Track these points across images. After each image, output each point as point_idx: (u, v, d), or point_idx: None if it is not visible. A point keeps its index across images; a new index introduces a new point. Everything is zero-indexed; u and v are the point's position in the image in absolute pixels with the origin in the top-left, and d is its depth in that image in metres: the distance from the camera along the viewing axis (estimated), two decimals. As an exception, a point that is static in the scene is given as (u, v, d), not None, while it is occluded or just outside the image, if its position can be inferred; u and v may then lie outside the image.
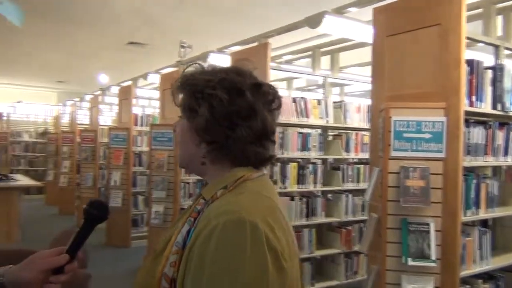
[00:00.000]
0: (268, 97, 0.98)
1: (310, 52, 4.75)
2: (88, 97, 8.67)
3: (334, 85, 5.77)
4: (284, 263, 0.82)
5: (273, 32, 3.82)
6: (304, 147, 3.94)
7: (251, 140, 0.93)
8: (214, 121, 0.91)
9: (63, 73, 13.42)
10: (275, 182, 3.76)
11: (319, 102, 4.06)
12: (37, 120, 13.65)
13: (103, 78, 8.59)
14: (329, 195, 4.29)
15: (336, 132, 4.53)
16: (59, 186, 8.56)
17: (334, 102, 4.26)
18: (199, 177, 5.10)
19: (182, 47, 5.26)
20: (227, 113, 0.91)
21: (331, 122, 4.09)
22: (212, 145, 0.93)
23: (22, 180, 5.27)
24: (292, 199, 3.86)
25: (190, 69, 1.00)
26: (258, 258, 0.78)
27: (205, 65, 1.03)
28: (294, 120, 3.87)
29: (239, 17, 6.28)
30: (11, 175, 5.81)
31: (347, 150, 4.28)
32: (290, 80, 6.04)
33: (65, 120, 10.92)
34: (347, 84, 5.42)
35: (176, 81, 0.99)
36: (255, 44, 3.90)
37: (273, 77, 6.03)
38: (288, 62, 5.52)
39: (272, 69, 3.80)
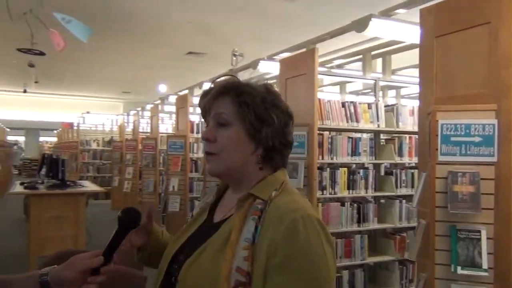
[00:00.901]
0: None
1: (360, 56, 4.69)
2: (149, 107, 9.06)
3: (390, 87, 5.64)
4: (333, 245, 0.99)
5: (321, 38, 3.82)
6: (354, 152, 3.90)
7: (289, 148, 1.10)
8: (278, 130, 1.04)
9: (127, 84, 14.17)
10: (324, 188, 3.75)
11: (369, 106, 4.00)
12: (104, 129, 14.45)
13: (162, 88, 8.95)
14: (382, 201, 4.20)
15: (388, 136, 4.43)
16: (123, 192, 9.00)
17: (386, 106, 4.17)
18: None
19: (234, 55, 5.38)
20: (284, 124, 1.06)
21: (383, 126, 4.01)
22: (267, 152, 1.04)
23: (88, 186, 5.61)
24: (343, 204, 3.83)
25: (252, 84, 1.07)
26: (329, 246, 0.94)
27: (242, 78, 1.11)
28: (343, 125, 3.84)
29: (294, 23, 6.33)
30: (79, 181, 6.20)
31: (400, 154, 4.17)
32: (343, 84, 5.98)
33: (129, 128, 11.48)
34: (403, 86, 5.28)
35: (225, 88, 1.04)
36: (303, 50, 3.92)
37: (325, 81, 6.04)
38: (340, 66, 5.48)
39: (321, 74, 3.80)
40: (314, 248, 0.91)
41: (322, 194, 3.75)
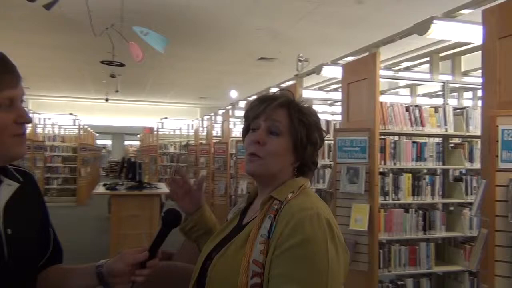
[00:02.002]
0: None
1: (428, 58, 4.54)
2: (221, 112, 9.40)
3: (466, 89, 5.38)
4: (344, 247, 1.05)
5: (384, 41, 3.77)
6: (420, 157, 3.79)
7: (315, 167, 1.22)
8: (316, 151, 1.18)
9: (203, 90, 14.76)
10: (386, 194, 3.69)
11: (436, 109, 3.87)
12: (182, 134, 15.15)
13: (233, 94, 9.23)
14: (451, 208, 4.03)
15: (458, 140, 4.24)
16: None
17: (455, 109, 4.00)
18: (317, 187, 5.22)
19: (300, 60, 5.45)
20: (319, 146, 1.19)
21: (451, 131, 3.86)
22: (301, 166, 1.17)
23: (162, 188, 5.96)
24: (407, 211, 3.74)
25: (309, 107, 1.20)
26: (333, 245, 1.01)
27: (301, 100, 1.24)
28: (407, 129, 3.75)
29: (363, 24, 6.26)
30: (154, 183, 6.61)
31: (470, 160, 3.97)
32: (414, 87, 5.79)
33: (203, 133, 11.95)
34: (476, 88, 5.02)
35: (287, 102, 1.16)
36: (366, 54, 3.89)
37: (393, 84, 5.89)
38: (408, 68, 5.32)
39: (383, 78, 3.76)
40: (316, 242, 0.98)
41: (385, 200, 3.69)
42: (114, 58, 6.66)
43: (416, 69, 5.08)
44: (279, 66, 9.83)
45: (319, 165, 5.26)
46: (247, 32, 7.48)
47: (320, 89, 6.41)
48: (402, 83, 5.73)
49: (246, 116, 1.20)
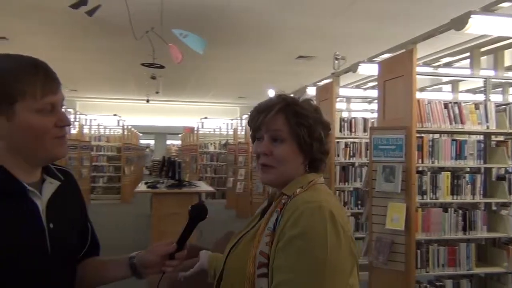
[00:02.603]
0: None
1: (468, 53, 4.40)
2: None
3: (510, 85, 5.17)
4: (349, 240, 1.07)
5: (421, 37, 3.69)
6: (459, 155, 3.70)
7: (327, 155, 1.24)
8: (322, 143, 1.20)
9: (242, 89, 14.90)
10: (424, 192, 3.62)
11: (476, 106, 3.76)
12: (221, 133, 15.35)
13: (271, 93, 9.27)
14: (494, 208, 3.90)
15: (501, 138, 4.09)
16: (236, 192, 9.51)
17: (497, 106, 3.87)
18: (354, 186, 5.18)
19: (336, 58, 5.41)
20: (325, 138, 1.21)
21: (493, 128, 3.74)
22: (312, 161, 1.20)
23: (201, 186, 6.09)
24: (446, 210, 3.65)
25: (304, 103, 1.21)
26: (335, 236, 1.03)
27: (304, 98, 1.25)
28: (446, 127, 3.67)
29: (403, 20, 6.14)
30: (193, 181, 6.75)
31: (514, 158, 3.83)
32: (456, 83, 5.63)
33: (242, 132, 12.07)
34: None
35: (281, 108, 1.17)
36: (403, 51, 3.82)
37: (436, 80, 5.74)
38: (448, 64, 5.17)
39: (420, 74, 3.69)
40: (314, 233, 1.01)
41: (422, 199, 3.62)
42: (155, 60, 6.85)
43: (457, 64, 4.93)
44: (318, 64, 9.78)
45: (356, 164, 5.26)
46: (285, 31, 7.49)
47: (358, 87, 6.33)
48: (443, 79, 5.58)
49: (250, 126, 1.24)
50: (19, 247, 0.97)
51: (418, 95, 5.40)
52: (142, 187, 6.05)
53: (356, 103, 6.59)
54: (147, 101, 13.12)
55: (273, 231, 1.08)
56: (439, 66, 4.98)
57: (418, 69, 3.86)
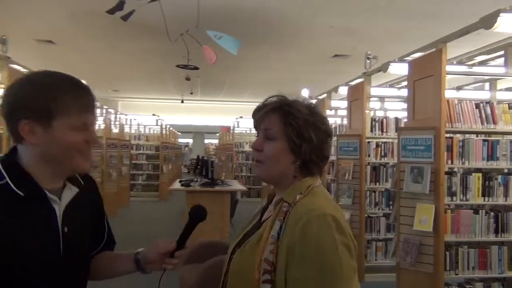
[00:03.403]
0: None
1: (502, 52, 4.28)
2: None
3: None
4: (353, 243, 1.13)
5: (451, 36, 3.62)
6: (491, 156, 3.62)
7: (325, 161, 1.27)
8: (316, 147, 1.22)
9: (279, 89, 14.90)
10: (454, 194, 3.57)
11: (510, 106, 3.66)
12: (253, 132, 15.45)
13: (305, 92, 9.28)
14: (529, 211, 3.79)
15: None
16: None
17: (533, 105, 3.75)
18: (386, 186, 5.14)
19: (368, 58, 5.38)
20: (322, 142, 1.23)
21: (528, 128, 3.63)
22: (305, 163, 1.22)
23: (233, 185, 6.20)
24: (477, 212, 3.59)
25: (298, 105, 1.24)
26: (342, 241, 1.09)
27: (301, 99, 1.29)
28: (477, 127, 3.61)
29: (439, 19, 6.03)
30: (227, 180, 6.88)
31: (551, 159, 3.71)
32: (494, 82, 5.45)
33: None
34: None
35: (275, 108, 1.23)
36: (433, 50, 3.77)
37: (470, 80, 5.57)
38: (483, 63, 5.03)
39: (450, 74, 3.64)
40: (324, 241, 1.07)
41: (452, 200, 3.57)
42: (189, 62, 7.02)
43: (492, 63, 4.79)
44: (353, 63, 9.70)
45: (390, 164, 5.21)
46: (320, 30, 7.49)
47: (391, 86, 6.25)
48: (479, 78, 5.42)
49: (255, 127, 1.30)
50: (33, 248, 1.08)
51: (455, 94, 5.32)
52: (176, 185, 6.23)
53: (391, 102, 6.50)
54: (182, 101, 13.41)
55: (276, 240, 1.12)
56: (473, 65, 4.86)
57: (451, 68, 3.82)
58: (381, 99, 6.54)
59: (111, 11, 4.23)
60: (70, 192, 1.19)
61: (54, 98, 1.07)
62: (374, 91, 5.37)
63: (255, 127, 1.28)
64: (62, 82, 1.12)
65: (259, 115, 1.25)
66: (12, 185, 1.07)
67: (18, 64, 5.22)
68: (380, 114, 6.42)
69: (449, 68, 3.78)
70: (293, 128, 1.20)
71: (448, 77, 3.54)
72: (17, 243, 1.05)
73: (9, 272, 1.05)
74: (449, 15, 5.81)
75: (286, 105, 1.22)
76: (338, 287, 1.06)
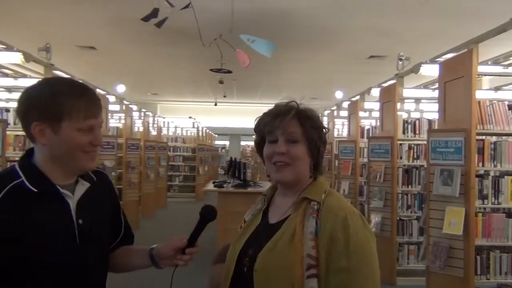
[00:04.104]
0: None
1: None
2: (326, 112, 9.48)
3: None
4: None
5: (482, 37, 3.56)
6: (526, 158, 3.53)
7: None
8: (325, 148, 1.36)
9: (314, 91, 14.93)
10: (485, 197, 3.51)
11: (545, 107, 3.56)
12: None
13: (338, 94, 9.25)
14: None
15: None
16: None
17: None
18: (417, 189, 5.07)
19: (400, 59, 5.33)
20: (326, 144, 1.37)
21: None
22: (316, 164, 1.34)
23: (266, 186, 6.26)
24: (509, 216, 3.51)
25: (310, 110, 1.34)
26: (369, 232, 1.23)
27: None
28: (510, 129, 3.52)
29: (475, 16, 5.90)
30: (259, 182, 6.97)
31: None
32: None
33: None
34: None
35: (296, 113, 1.30)
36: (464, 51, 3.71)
37: (505, 80, 5.41)
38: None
39: (481, 75, 3.58)
40: (360, 235, 1.20)
41: (483, 203, 3.51)
42: (223, 65, 7.17)
43: (530, 63, 4.65)
44: (390, 64, 9.58)
45: (422, 166, 5.13)
46: (355, 31, 7.47)
47: (426, 87, 6.16)
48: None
49: (259, 131, 1.35)
50: (52, 238, 1.19)
51: (493, 94, 5.17)
52: (210, 186, 6.37)
53: (427, 104, 6.40)
54: (215, 104, 13.64)
55: (315, 236, 1.19)
56: (510, 65, 4.72)
57: (484, 68, 3.76)
58: (417, 100, 6.45)
59: (145, 19, 4.41)
60: (82, 187, 1.30)
61: (63, 103, 1.19)
62: (406, 92, 5.31)
63: (268, 132, 1.31)
64: (71, 89, 1.23)
65: (279, 121, 1.29)
66: (27, 183, 1.20)
67: (61, 70, 5.52)
68: (416, 115, 6.33)
69: (482, 68, 3.72)
70: (314, 131, 1.30)
71: (487, 77, 3.48)
72: (34, 234, 1.17)
73: (28, 265, 1.17)
74: (487, 13, 5.67)
75: (304, 110, 1.31)
76: (371, 267, 1.19)
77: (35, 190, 1.20)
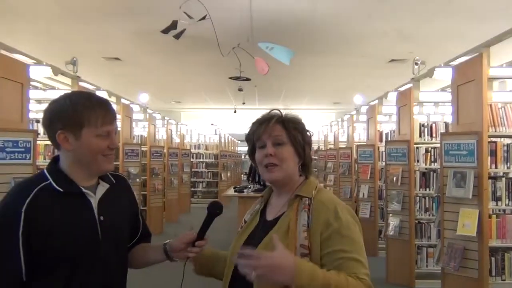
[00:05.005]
0: None
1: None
2: (346, 117, 9.53)
3: None
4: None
5: (492, 41, 3.60)
6: (540, 160, 3.54)
7: (311, 161, 1.51)
8: (310, 149, 1.49)
9: (336, 95, 15.01)
10: (498, 198, 3.54)
11: (559, 109, 3.57)
12: (319, 139, 15.50)
13: (357, 99, 9.28)
14: None
15: None
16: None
17: None
18: (431, 192, 5.08)
19: (416, 63, 5.38)
20: (311, 145, 1.52)
21: None
22: (303, 164, 1.48)
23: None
24: (524, 218, 3.53)
25: (291, 115, 1.50)
26: (357, 223, 1.38)
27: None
28: (524, 131, 3.55)
29: (499, 17, 5.89)
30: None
31: None
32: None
33: (331, 138, 12.15)
34: None
35: (280, 118, 1.46)
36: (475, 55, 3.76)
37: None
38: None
39: (492, 78, 3.63)
40: (349, 223, 1.35)
41: (497, 205, 3.54)
42: (242, 73, 7.33)
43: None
44: (411, 67, 9.58)
45: (439, 169, 5.14)
46: (375, 35, 7.53)
47: (443, 90, 6.16)
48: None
49: (249, 139, 1.49)
50: (77, 234, 1.36)
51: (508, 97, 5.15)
52: (230, 191, 6.52)
53: (446, 107, 6.40)
54: (234, 111, 13.85)
55: (308, 228, 1.33)
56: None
57: (497, 71, 3.79)
58: (436, 104, 6.46)
59: (165, 31, 4.61)
60: (103, 188, 1.47)
61: (83, 113, 1.36)
62: (423, 96, 5.35)
63: (256, 139, 1.46)
64: (89, 101, 1.40)
65: (264, 127, 1.44)
66: (54, 184, 1.37)
67: (87, 82, 5.79)
68: (437, 118, 6.33)
69: (495, 72, 3.76)
70: (297, 133, 1.44)
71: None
72: (61, 229, 1.34)
73: (56, 256, 1.33)
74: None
75: (283, 115, 1.47)
76: (361, 251, 1.33)
77: (61, 190, 1.37)
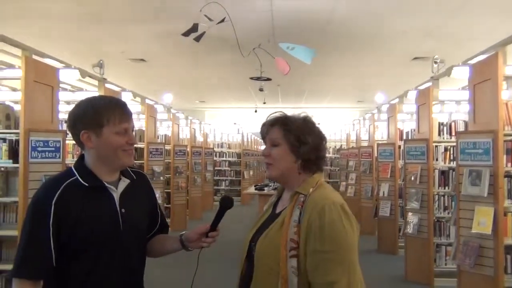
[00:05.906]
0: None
1: None
2: (367, 116, 9.53)
3: None
4: (355, 222, 1.46)
5: (508, 40, 3.61)
6: (557, 159, 3.54)
7: (322, 159, 1.58)
8: (312, 148, 1.56)
9: (360, 94, 14.95)
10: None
11: None
12: (341, 138, 15.50)
13: (379, 97, 9.27)
14: None
15: None
16: (347, 196, 9.66)
17: None
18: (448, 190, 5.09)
19: (435, 62, 5.38)
20: (318, 143, 1.57)
21: None
22: (305, 163, 1.57)
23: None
24: (540, 216, 3.53)
25: (292, 117, 1.60)
26: (348, 222, 1.42)
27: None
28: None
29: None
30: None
31: None
32: None
33: (353, 137, 12.13)
34: None
35: (275, 121, 1.58)
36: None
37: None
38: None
39: (509, 77, 3.64)
40: (335, 223, 1.40)
41: (512, 203, 3.56)
42: (264, 73, 7.43)
43: None
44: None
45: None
46: (398, 33, 7.52)
47: (464, 88, 6.13)
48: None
49: (262, 138, 1.64)
50: (100, 224, 1.51)
51: None
52: (251, 189, 6.65)
53: (464, 105, 6.37)
54: (255, 111, 13.98)
55: (298, 223, 1.44)
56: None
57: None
58: (458, 102, 6.43)
59: (186, 33, 4.77)
60: (124, 183, 1.62)
61: (102, 114, 1.53)
62: (442, 94, 5.35)
63: (263, 139, 1.63)
64: (108, 103, 1.57)
65: (265, 129, 1.60)
66: (80, 179, 1.53)
67: (113, 84, 6.01)
68: (459, 117, 6.30)
69: (511, 70, 3.77)
70: (291, 134, 1.54)
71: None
72: (86, 220, 1.49)
73: (82, 243, 1.49)
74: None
75: (283, 118, 1.59)
76: (345, 252, 1.39)
77: (87, 185, 1.53)
